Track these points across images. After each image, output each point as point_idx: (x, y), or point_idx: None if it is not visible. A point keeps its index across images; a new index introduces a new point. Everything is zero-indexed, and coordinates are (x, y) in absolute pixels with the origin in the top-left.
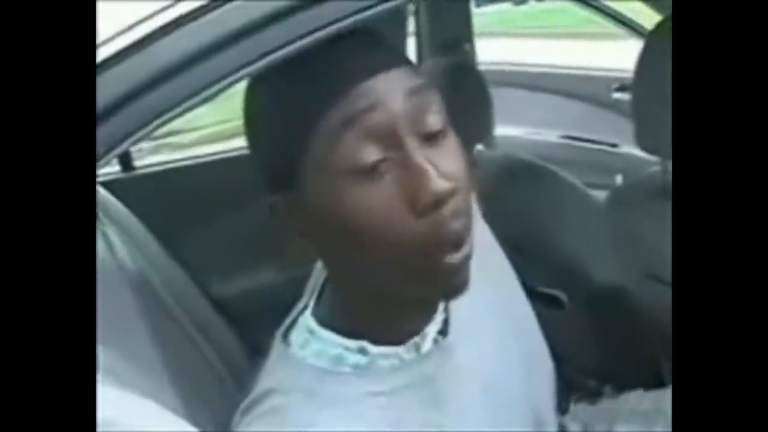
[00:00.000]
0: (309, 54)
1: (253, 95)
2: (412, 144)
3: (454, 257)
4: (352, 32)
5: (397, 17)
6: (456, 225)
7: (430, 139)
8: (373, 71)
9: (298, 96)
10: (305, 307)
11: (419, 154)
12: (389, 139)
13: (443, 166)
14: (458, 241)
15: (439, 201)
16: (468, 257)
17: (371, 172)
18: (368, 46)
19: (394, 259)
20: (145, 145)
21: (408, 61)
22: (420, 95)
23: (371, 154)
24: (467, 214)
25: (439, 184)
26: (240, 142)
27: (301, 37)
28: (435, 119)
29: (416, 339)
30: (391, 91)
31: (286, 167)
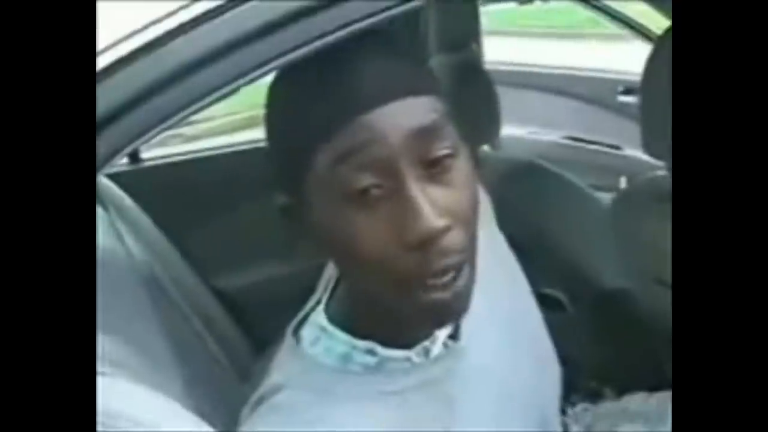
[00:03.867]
0: (328, 64)
1: (274, 95)
2: (412, 175)
3: (443, 292)
4: (373, 46)
5: (409, 16)
6: (444, 263)
7: (434, 168)
8: (383, 100)
9: (308, 113)
10: (317, 303)
11: (416, 188)
12: (387, 169)
13: (443, 200)
14: (447, 277)
15: (430, 239)
16: (460, 291)
17: (366, 198)
18: (387, 70)
19: (385, 285)
20: None
21: (428, 87)
22: (429, 132)
23: (366, 180)
24: (462, 250)
25: (431, 223)
26: (247, 136)
27: (310, 41)
28: (442, 151)
29: (426, 343)
30: (396, 127)
31: (292, 173)
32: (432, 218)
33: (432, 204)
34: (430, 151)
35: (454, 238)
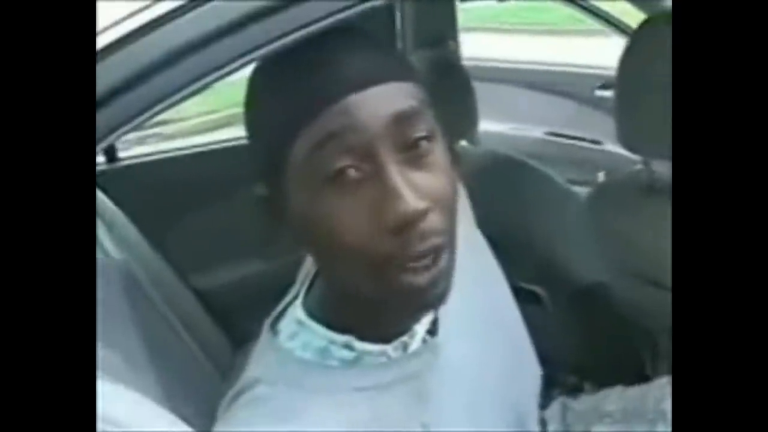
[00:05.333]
0: (307, 54)
1: (253, 85)
2: (391, 159)
3: (422, 276)
4: (351, 36)
5: (385, 12)
6: (424, 246)
7: (413, 151)
8: (362, 86)
9: (288, 100)
10: (295, 297)
11: (395, 171)
12: (366, 154)
13: (422, 182)
14: (426, 260)
15: (409, 222)
16: (440, 274)
17: (343, 181)
18: (366, 57)
19: (364, 271)
20: (130, 135)
21: (406, 74)
22: (408, 116)
23: (343, 162)
24: (442, 233)
25: (411, 206)
26: (223, 134)
27: (289, 33)
28: (420, 134)
29: (404, 338)
30: (375, 112)
31: (272, 163)
32: (412, 200)
33: (412, 187)
34: (409, 135)
35: (434, 221)
